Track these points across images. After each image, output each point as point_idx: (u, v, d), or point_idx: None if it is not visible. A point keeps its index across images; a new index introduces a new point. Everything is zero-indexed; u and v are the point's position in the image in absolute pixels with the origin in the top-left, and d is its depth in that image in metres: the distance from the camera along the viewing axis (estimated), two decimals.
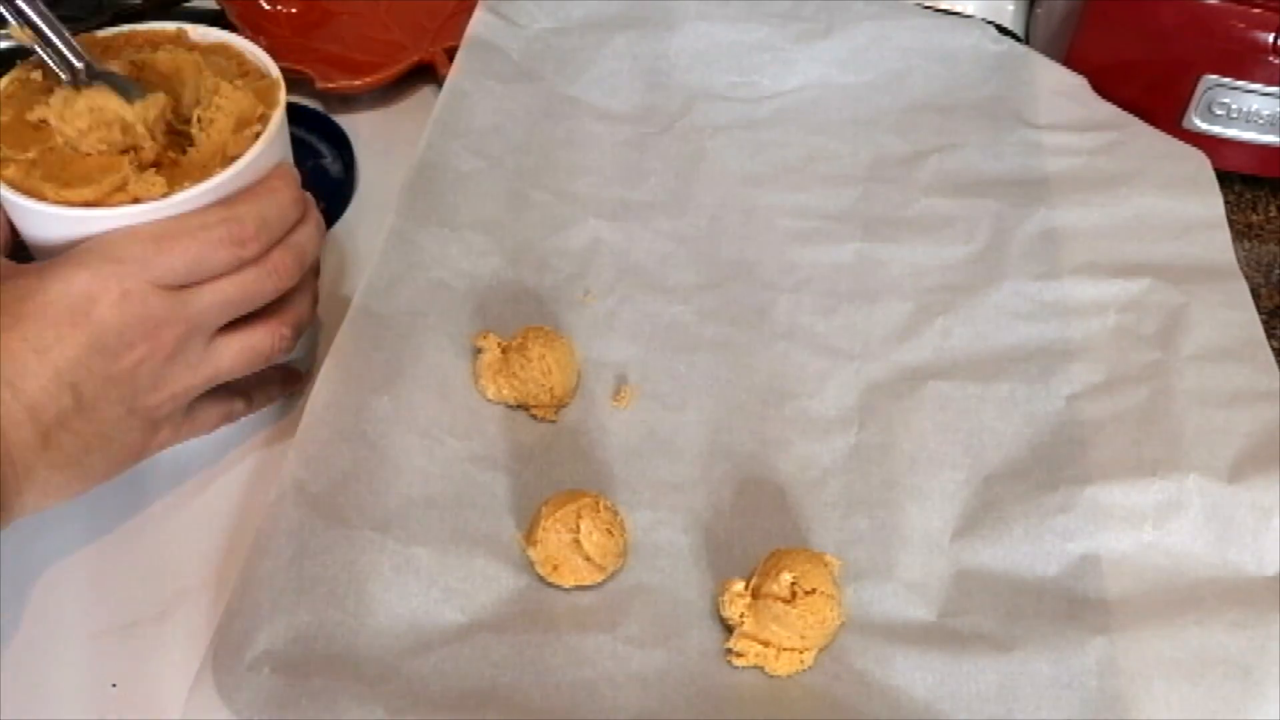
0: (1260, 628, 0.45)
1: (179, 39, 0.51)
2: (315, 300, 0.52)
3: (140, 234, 0.43)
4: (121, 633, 0.46)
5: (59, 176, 0.44)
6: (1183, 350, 0.55)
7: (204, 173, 0.45)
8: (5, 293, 0.42)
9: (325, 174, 0.67)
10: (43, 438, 0.41)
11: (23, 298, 0.41)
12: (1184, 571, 0.47)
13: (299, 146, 0.68)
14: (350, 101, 0.71)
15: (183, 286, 0.44)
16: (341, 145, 0.68)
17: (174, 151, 0.47)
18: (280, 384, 0.54)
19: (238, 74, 0.50)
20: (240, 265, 0.45)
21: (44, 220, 0.44)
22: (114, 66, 0.47)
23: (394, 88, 0.72)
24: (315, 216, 0.50)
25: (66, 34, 0.46)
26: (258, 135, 0.47)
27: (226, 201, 0.45)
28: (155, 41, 0.51)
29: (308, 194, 0.50)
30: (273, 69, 0.50)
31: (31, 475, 0.41)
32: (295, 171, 0.49)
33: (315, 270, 0.52)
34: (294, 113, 0.68)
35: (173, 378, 0.45)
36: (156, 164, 0.46)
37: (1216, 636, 0.44)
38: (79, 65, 0.46)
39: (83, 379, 0.42)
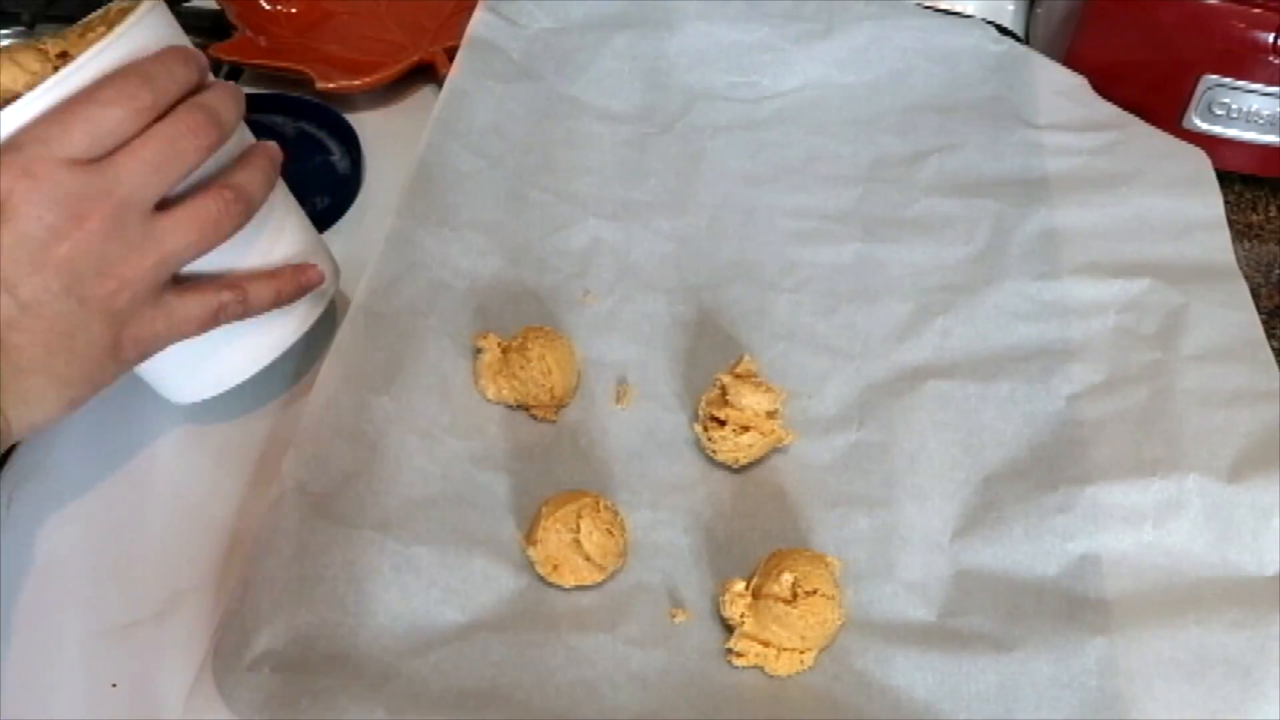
0: (1260, 628, 0.45)
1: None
2: (269, 177, 0.49)
3: (36, 120, 0.42)
4: (121, 633, 0.46)
5: None
6: (1183, 350, 0.55)
7: None
8: None
9: (333, 170, 0.67)
10: None
11: None
12: (1184, 571, 0.47)
13: (306, 141, 0.68)
14: (350, 101, 0.71)
15: (96, 159, 0.42)
16: (349, 141, 0.68)
17: None
18: (291, 280, 0.51)
19: None
20: (141, 122, 0.43)
21: None
22: None
23: (394, 88, 0.72)
24: (229, 87, 0.48)
25: None
26: None
27: (113, 68, 0.44)
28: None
29: (225, 84, 0.48)
30: None
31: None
32: (195, 52, 0.47)
33: (269, 155, 0.50)
34: (303, 107, 0.69)
35: (118, 260, 0.43)
36: None
37: (1216, 636, 0.44)
38: None
39: (16, 278, 0.41)
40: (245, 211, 0.47)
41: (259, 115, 0.69)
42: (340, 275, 0.55)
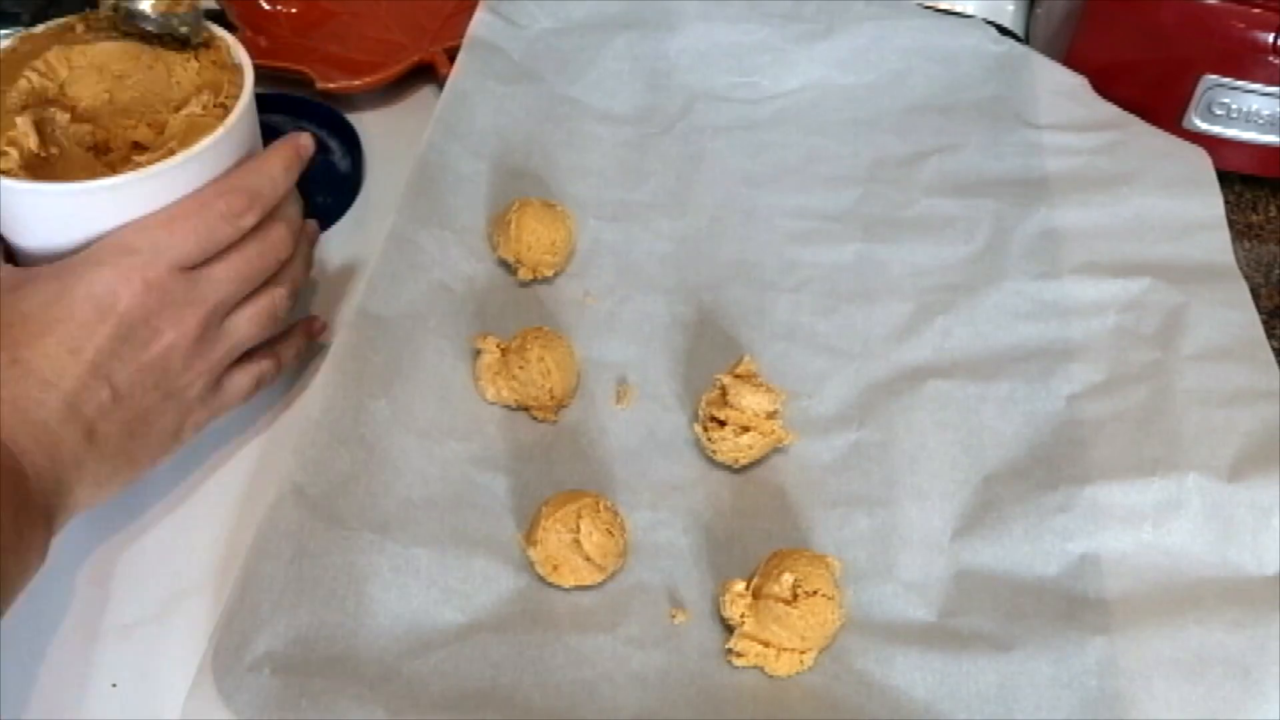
0: (1260, 627, 0.45)
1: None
2: (309, 261, 0.54)
3: (148, 223, 0.45)
4: (121, 633, 0.46)
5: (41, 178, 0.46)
6: (1182, 350, 0.55)
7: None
8: (30, 300, 0.43)
9: (334, 169, 0.68)
10: (88, 433, 0.43)
11: (49, 303, 0.43)
12: (1184, 571, 0.47)
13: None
14: (351, 101, 0.71)
15: (196, 268, 0.46)
16: (350, 141, 0.68)
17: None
18: (304, 334, 0.55)
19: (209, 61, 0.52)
20: (242, 238, 0.47)
21: (43, 202, 0.45)
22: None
23: (394, 88, 0.72)
24: (294, 190, 0.52)
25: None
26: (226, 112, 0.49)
27: (223, 178, 0.47)
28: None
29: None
30: (245, 64, 0.51)
31: (82, 469, 0.43)
32: (302, 141, 0.51)
33: (310, 239, 0.55)
34: (304, 107, 0.69)
35: (200, 356, 0.47)
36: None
37: (1216, 636, 0.44)
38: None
39: (116, 370, 0.44)
40: (294, 301, 0.52)
41: (260, 115, 0.69)
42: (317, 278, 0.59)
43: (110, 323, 0.43)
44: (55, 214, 0.46)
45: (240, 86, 0.50)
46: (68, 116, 0.48)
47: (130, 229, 0.45)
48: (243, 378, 0.50)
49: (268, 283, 0.50)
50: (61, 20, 0.52)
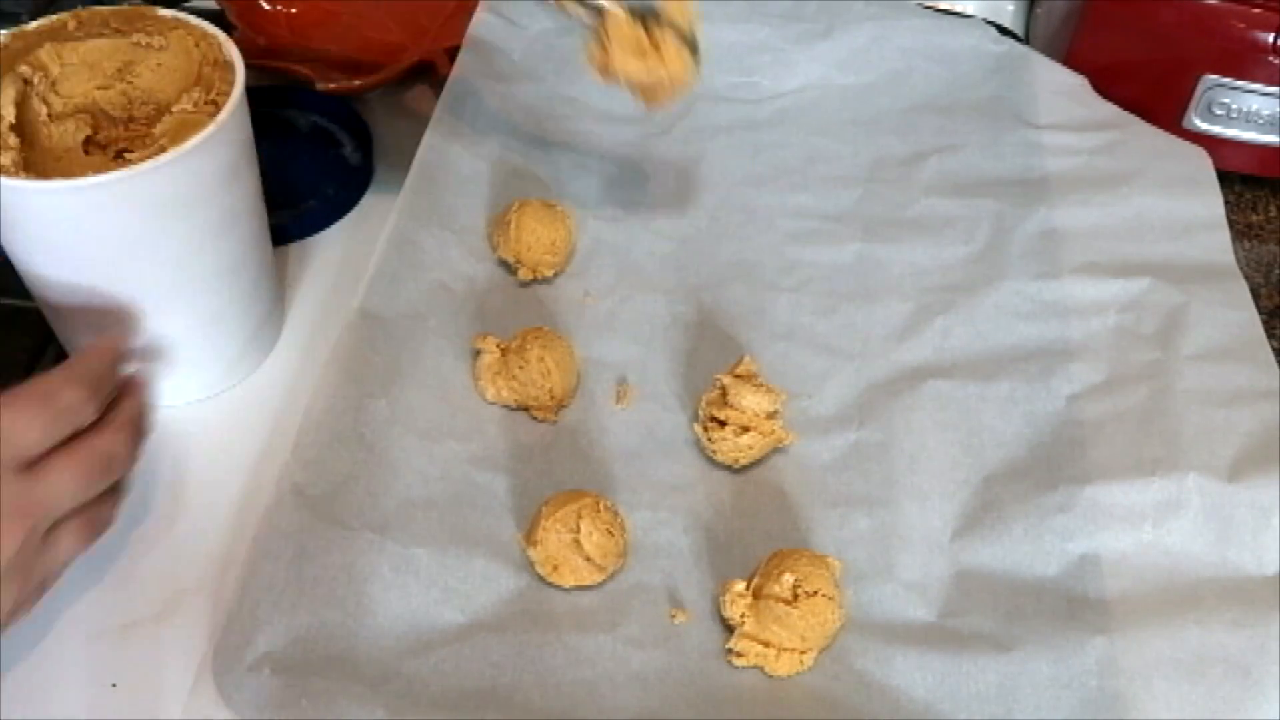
0: (1260, 627, 0.45)
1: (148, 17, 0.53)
2: (133, 461, 0.46)
3: None
4: (121, 633, 0.46)
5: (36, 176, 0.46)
6: (1182, 350, 0.55)
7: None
8: None
9: (344, 162, 0.68)
10: None
11: None
12: (1184, 571, 0.47)
13: (319, 134, 0.69)
14: (360, 97, 0.71)
15: (32, 468, 0.40)
16: (361, 134, 0.69)
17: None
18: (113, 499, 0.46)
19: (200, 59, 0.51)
20: (75, 434, 0.41)
21: (30, 200, 0.45)
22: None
23: (394, 88, 0.72)
24: (139, 391, 0.46)
25: None
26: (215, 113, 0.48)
27: (63, 368, 0.43)
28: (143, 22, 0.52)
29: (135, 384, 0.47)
30: (237, 61, 0.51)
31: None
32: (114, 344, 0.46)
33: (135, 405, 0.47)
34: (315, 100, 0.69)
35: (10, 582, 0.39)
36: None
37: (1216, 636, 0.44)
38: None
39: None
40: (115, 511, 0.45)
41: (273, 108, 0.70)
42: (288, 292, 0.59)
43: None
44: (42, 212, 0.46)
45: (231, 84, 0.49)
46: (46, 110, 0.48)
47: None
48: (64, 551, 0.42)
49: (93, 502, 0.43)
50: (54, 17, 0.52)
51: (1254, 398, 0.52)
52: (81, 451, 0.41)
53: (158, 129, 0.48)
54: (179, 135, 0.47)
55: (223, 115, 0.48)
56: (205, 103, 0.49)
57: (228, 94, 0.49)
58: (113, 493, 0.44)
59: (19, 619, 0.41)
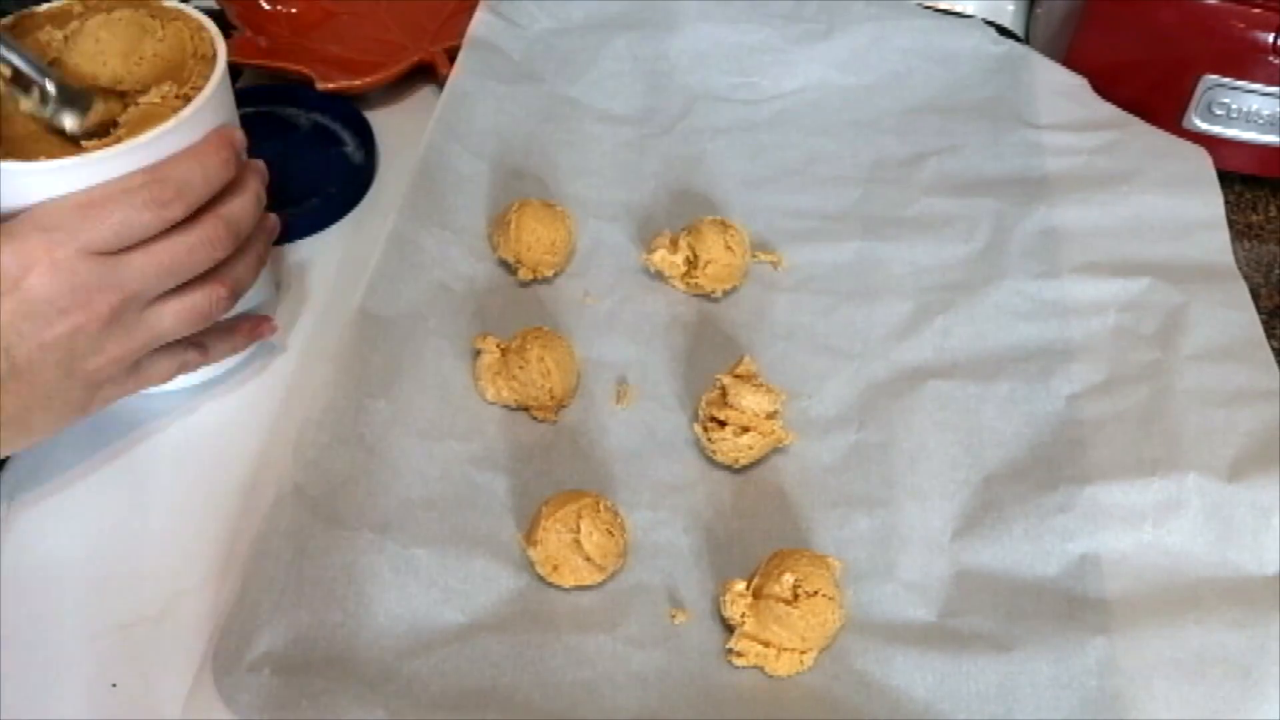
0: (1260, 627, 0.45)
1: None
2: (261, 262, 0.53)
3: (66, 203, 0.44)
4: (121, 633, 0.46)
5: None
6: (1182, 350, 0.55)
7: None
8: None
9: (346, 161, 0.68)
10: None
11: None
12: (1184, 571, 0.47)
13: (321, 133, 0.69)
14: (361, 97, 0.71)
15: (114, 252, 0.45)
16: (364, 133, 0.69)
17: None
18: (247, 333, 0.54)
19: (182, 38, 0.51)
20: (166, 228, 0.45)
21: None
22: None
23: (394, 88, 0.72)
24: (253, 188, 0.50)
25: (35, 63, 0.47)
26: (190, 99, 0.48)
27: (152, 165, 0.45)
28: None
29: (257, 163, 0.51)
30: (216, 37, 0.51)
31: None
32: (236, 136, 0.49)
33: (266, 231, 0.53)
34: (318, 99, 0.69)
35: (111, 342, 0.46)
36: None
37: (1216, 636, 0.44)
38: (50, 91, 0.47)
39: (15, 344, 0.43)
40: (233, 302, 0.50)
41: (275, 107, 0.70)
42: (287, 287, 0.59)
43: (13, 298, 0.43)
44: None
45: (207, 79, 0.48)
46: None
47: (49, 207, 0.44)
48: (164, 362, 0.49)
49: (205, 277, 0.48)
50: (59, 3, 0.51)
51: (1254, 398, 0.52)
52: (161, 245, 0.46)
53: (121, 118, 0.47)
54: (139, 127, 0.46)
55: (186, 111, 0.47)
56: (176, 96, 0.48)
57: (201, 89, 0.48)
58: (219, 287, 0.49)
59: (115, 396, 0.48)
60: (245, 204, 0.49)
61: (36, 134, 0.47)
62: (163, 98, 0.48)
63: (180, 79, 0.49)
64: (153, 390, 0.51)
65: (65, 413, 0.46)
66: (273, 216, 0.54)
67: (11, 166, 0.44)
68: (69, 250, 0.43)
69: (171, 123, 0.46)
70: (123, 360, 0.47)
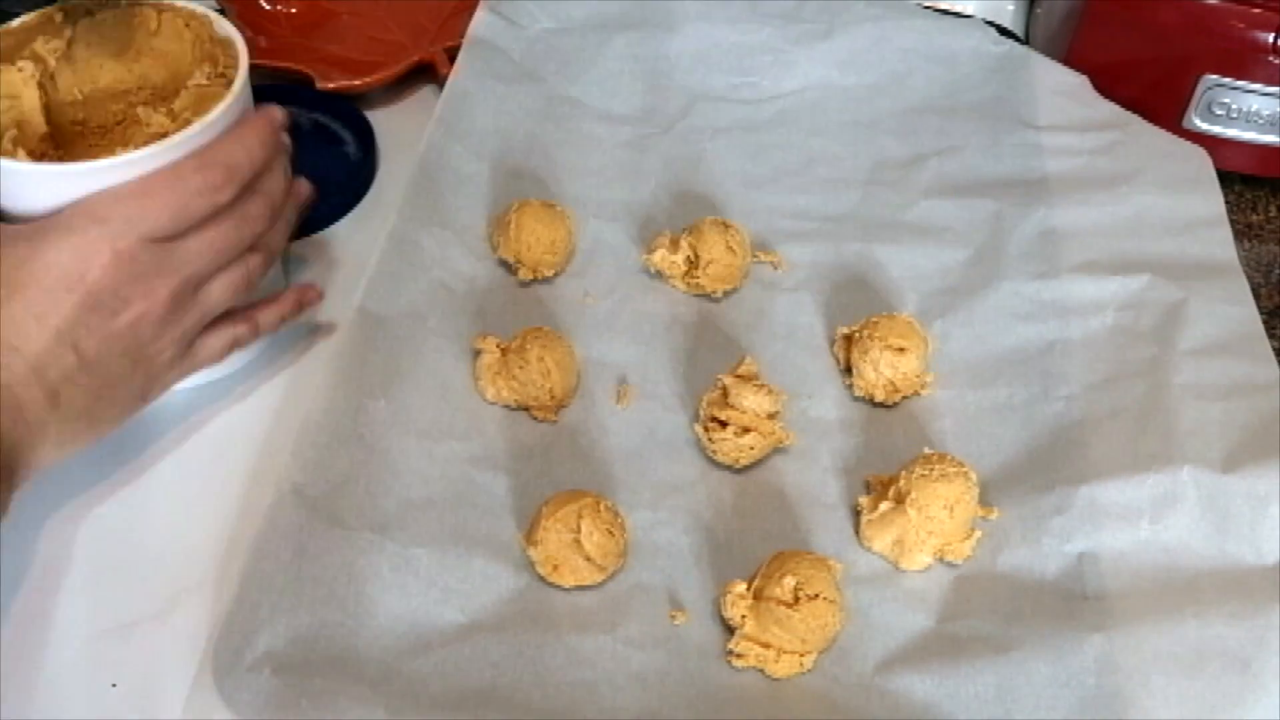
0: (1259, 619, 0.44)
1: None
2: (291, 227, 0.53)
3: (122, 193, 0.45)
4: (121, 633, 0.46)
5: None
6: (1180, 345, 0.54)
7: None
8: (1, 261, 0.43)
9: (346, 160, 0.68)
10: (51, 396, 0.43)
11: (18, 265, 0.43)
12: (1182, 565, 0.47)
13: (321, 133, 0.69)
14: (362, 96, 0.71)
15: (169, 239, 0.46)
16: (364, 134, 0.69)
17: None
18: (293, 302, 0.55)
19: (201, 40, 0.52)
20: (217, 211, 0.47)
21: (29, 181, 0.45)
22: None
23: (394, 88, 0.72)
24: (283, 160, 0.51)
25: None
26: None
27: (197, 153, 0.46)
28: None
29: (284, 137, 0.51)
30: (235, 36, 0.51)
31: (44, 431, 0.43)
32: (275, 113, 0.50)
33: (296, 198, 0.54)
34: (318, 99, 0.69)
35: (171, 324, 0.47)
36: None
37: (1215, 629, 0.44)
38: None
39: (83, 337, 0.44)
40: (268, 268, 0.52)
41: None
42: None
43: (78, 292, 0.43)
44: (64, 196, 0.45)
45: (235, 58, 0.50)
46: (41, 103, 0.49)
47: (104, 197, 0.44)
48: (216, 341, 0.50)
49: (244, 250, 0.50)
50: (41, 11, 0.52)
51: (1251, 391, 0.52)
52: (213, 226, 0.47)
53: (176, 104, 0.48)
54: (200, 108, 0.47)
55: (237, 84, 0.48)
56: (215, 76, 0.49)
57: (232, 67, 0.49)
58: (255, 255, 0.50)
59: (173, 379, 0.49)
60: (277, 177, 0.50)
61: (79, 139, 0.48)
62: (207, 78, 0.49)
63: (211, 60, 0.50)
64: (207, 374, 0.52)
65: (129, 403, 0.47)
66: (304, 182, 0.54)
67: (85, 166, 0.45)
68: (130, 240, 0.44)
69: (229, 97, 0.47)
70: (181, 342, 0.48)
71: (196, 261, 0.47)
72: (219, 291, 0.49)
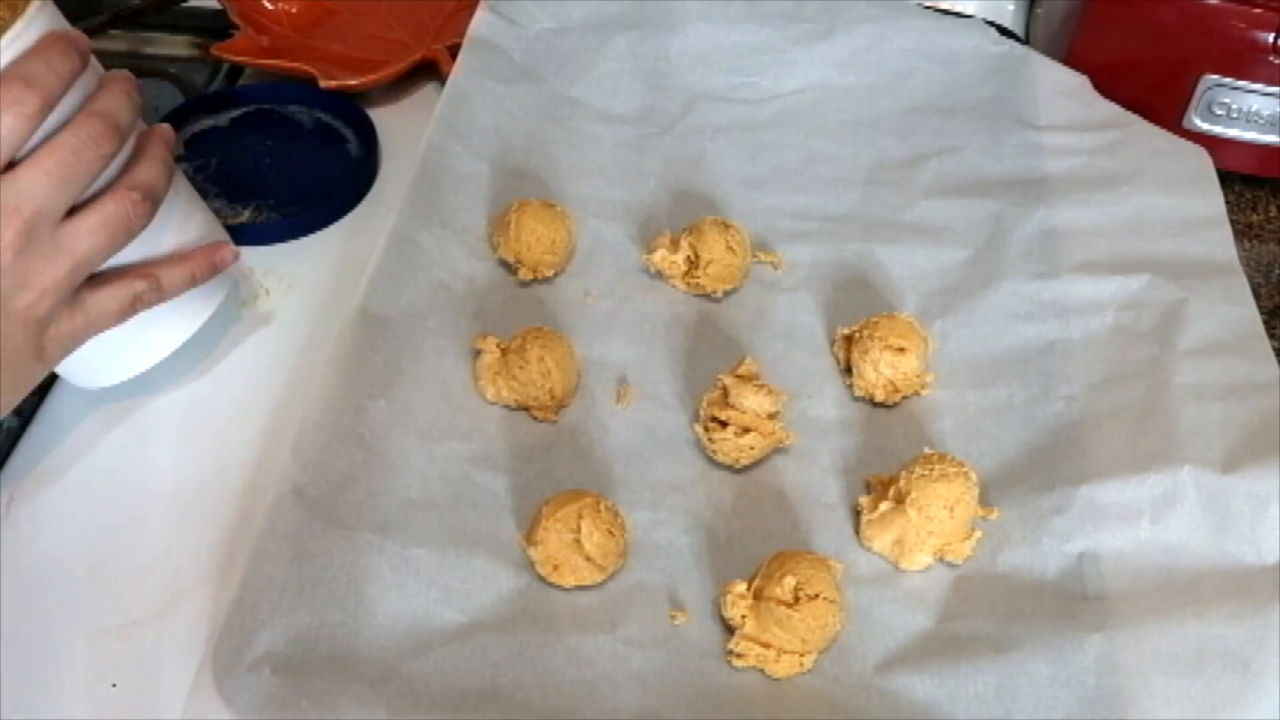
0: (1259, 618, 0.44)
1: None
2: (168, 167, 0.50)
3: None
4: (121, 633, 0.46)
5: None
6: (1180, 345, 0.54)
7: None
8: None
9: (348, 158, 0.68)
10: None
11: None
12: (1182, 565, 0.47)
13: (323, 131, 0.69)
14: (364, 94, 0.71)
15: None
16: (366, 131, 0.69)
17: None
18: (203, 262, 0.52)
19: None
20: (31, 123, 0.44)
21: None
22: None
23: (397, 85, 0.72)
24: (121, 84, 0.48)
25: None
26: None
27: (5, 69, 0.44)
28: None
29: (122, 72, 0.49)
30: None
31: None
32: (73, 33, 0.47)
33: (164, 140, 0.51)
34: (320, 97, 0.69)
35: (33, 272, 0.44)
36: None
37: (1215, 629, 0.44)
38: None
39: None
40: (151, 208, 0.48)
41: (277, 105, 0.70)
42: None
43: None
44: None
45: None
46: None
47: None
48: (108, 295, 0.48)
49: (112, 187, 0.47)
50: None
51: (1251, 391, 0.52)
52: (43, 153, 0.44)
53: None
54: None
55: (17, 24, 0.45)
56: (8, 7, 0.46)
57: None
58: (129, 192, 0.47)
59: (67, 335, 0.46)
60: (115, 98, 0.47)
61: None
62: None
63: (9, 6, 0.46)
64: (148, 360, 0.50)
65: (18, 362, 0.45)
66: (165, 126, 0.51)
67: None
68: None
69: (7, 36, 0.44)
70: (55, 291, 0.45)
71: (35, 194, 0.43)
72: (89, 234, 0.46)
